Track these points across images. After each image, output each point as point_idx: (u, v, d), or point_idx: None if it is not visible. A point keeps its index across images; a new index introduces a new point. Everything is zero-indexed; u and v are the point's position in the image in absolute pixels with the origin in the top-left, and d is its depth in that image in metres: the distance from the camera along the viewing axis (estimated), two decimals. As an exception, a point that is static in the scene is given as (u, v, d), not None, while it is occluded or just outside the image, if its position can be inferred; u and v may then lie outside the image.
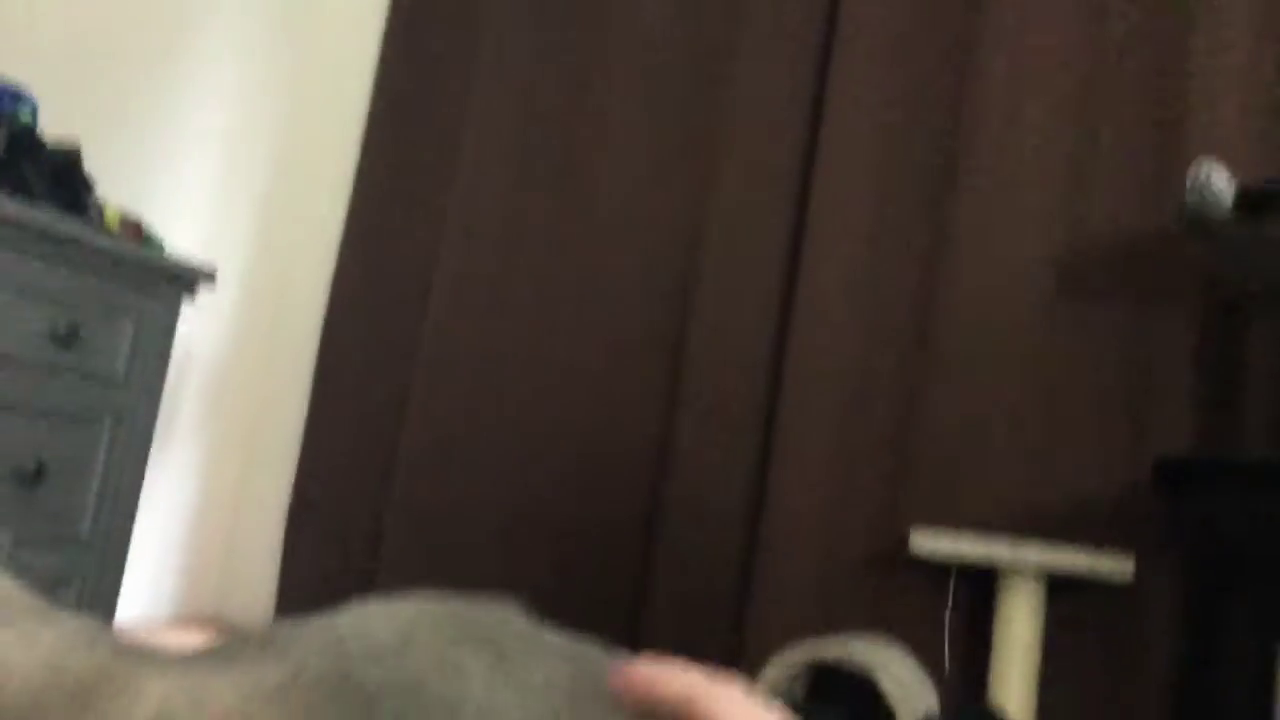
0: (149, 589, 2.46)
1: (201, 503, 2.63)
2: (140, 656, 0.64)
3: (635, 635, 1.86)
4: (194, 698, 0.58)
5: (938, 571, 1.80)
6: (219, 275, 1.85)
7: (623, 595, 1.92)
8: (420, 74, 2.43)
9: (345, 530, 2.32)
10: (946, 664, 1.73)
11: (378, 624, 0.64)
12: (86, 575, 1.59)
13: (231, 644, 0.66)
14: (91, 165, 1.77)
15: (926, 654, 1.64)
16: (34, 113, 1.64)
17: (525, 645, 0.64)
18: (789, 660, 1.54)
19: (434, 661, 0.61)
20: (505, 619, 0.67)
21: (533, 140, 2.19)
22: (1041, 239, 1.81)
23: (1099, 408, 1.73)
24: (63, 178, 1.60)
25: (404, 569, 2.15)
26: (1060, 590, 1.72)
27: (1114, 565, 1.60)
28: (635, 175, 2.08)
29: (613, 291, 2.06)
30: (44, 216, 1.46)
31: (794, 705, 1.45)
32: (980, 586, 1.79)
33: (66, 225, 1.49)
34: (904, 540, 1.78)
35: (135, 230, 1.72)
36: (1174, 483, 1.53)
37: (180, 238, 2.27)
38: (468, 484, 2.10)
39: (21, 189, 1.51)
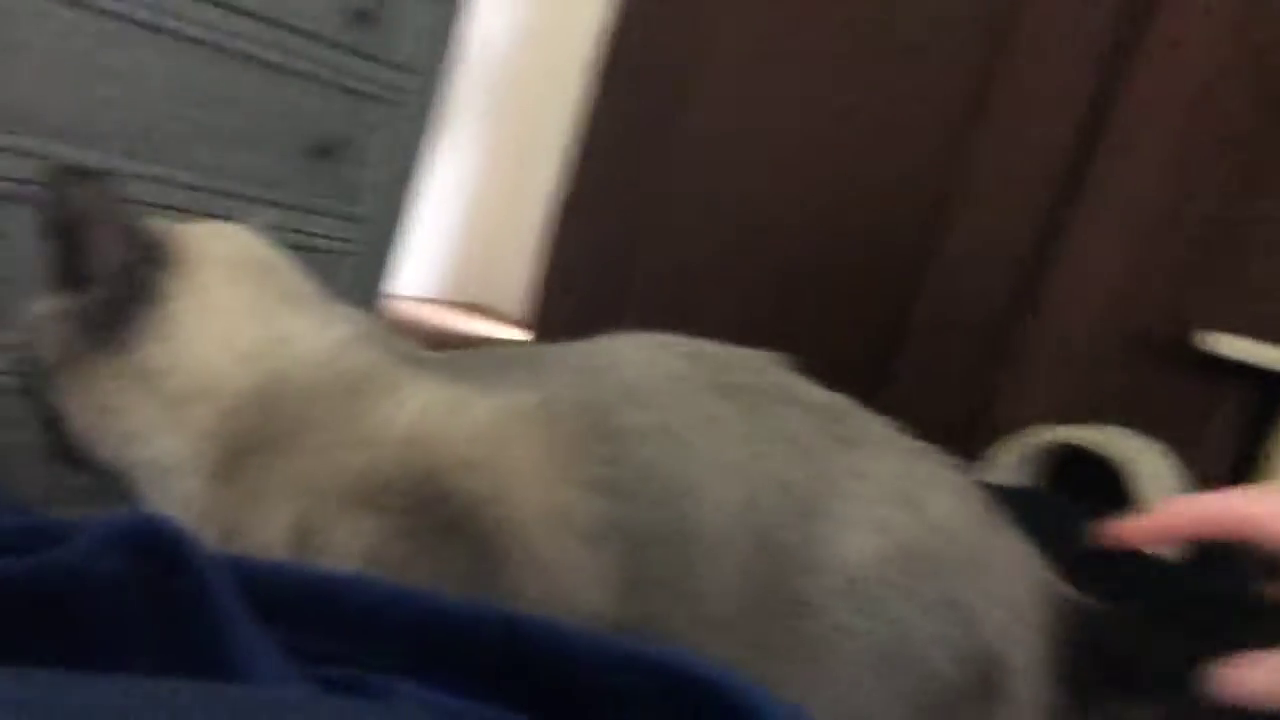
0: (419, 270, 2.64)
1: (474, 192, 2.75)
2: (409, 360, 0.66)
3: (882, 390, 1.82)
4: (452, 410, 0.59)
5: (1221, 376, 1.64)
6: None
7: (875, 347, 1.87)
8: None
9: (607, 234, 2.36)
10: (1213, 473, 1.61)
11: (638, 362, 0.62)
12: (362, 250, 1.70)
13: (493, 361, 0.66)
14: None
15: (1193, 461, 1.51)
16: None
17: (782, 398, 0.60)
18: (1035, 440, 1.46)
19: (690, 408, 0.59)
20: (765, 369, 0.64)
21: None
22: None
23: None
24: None
25: (661, 278, 2.19)
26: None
27: None
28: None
29: (913, 26, 1.86)
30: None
31: (1036, 489, 1.39)
32: (1268, 400, 1.63)
33: (362, -104, 1.47)
34: (1194, 337, 1.62)
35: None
36: None
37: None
38: (733, 208, 2.06)
39: None
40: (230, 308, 0.66)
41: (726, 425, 0.56)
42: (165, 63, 1.38)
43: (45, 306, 0.65)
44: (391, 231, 1.72)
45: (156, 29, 1.36)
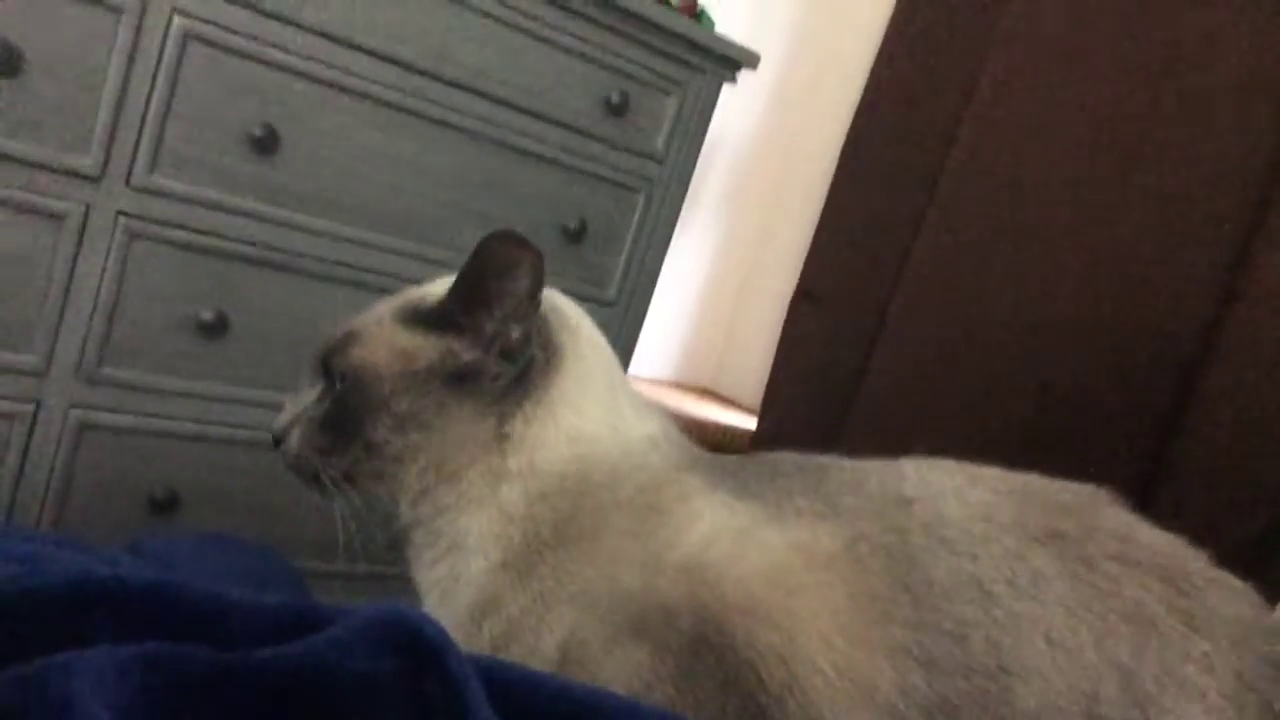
0: (656, 354, 2.68)
1: (713, 275, 2.77)
2: (698, 464, 0.64)
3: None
4: (741, 539, 0.55)
5: None
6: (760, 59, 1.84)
7: (1136, 474, 1.70)
8: None
9: (846, 321, 2.30)
10: None
11: (945, 496, 0.56)
12: (608, 334, 1.73)
13: (778, 473, 0.62)
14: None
15: None
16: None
17: (1115, 555, 0.52)
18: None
19: (1007, 562, 0.50)
20: (1093, 512, 0.55)
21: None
22: None
23: None
24: (631, -52, 1.64)
25: (894, 379, 2.10)
26: None
27: None
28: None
29: (1194, 125, 1.72)
30: (611, -14, 1.51)
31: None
32: None
33: (629, -4, 1.53)
34: None
35: (690, 7, 1.74)
36: None
37: (725, 19, 2.28)
38: (978, 300, 1.96)
39: (595, -43, 1.57)
40: (592, 392, 0.67)
41: (1052, 587, 0.49)
42: (443, 152, 1.47)
43: (421, 339, 0.66)
44: (636, 317, 1.75)
45: (439, 122, 1.45)
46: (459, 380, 0.64)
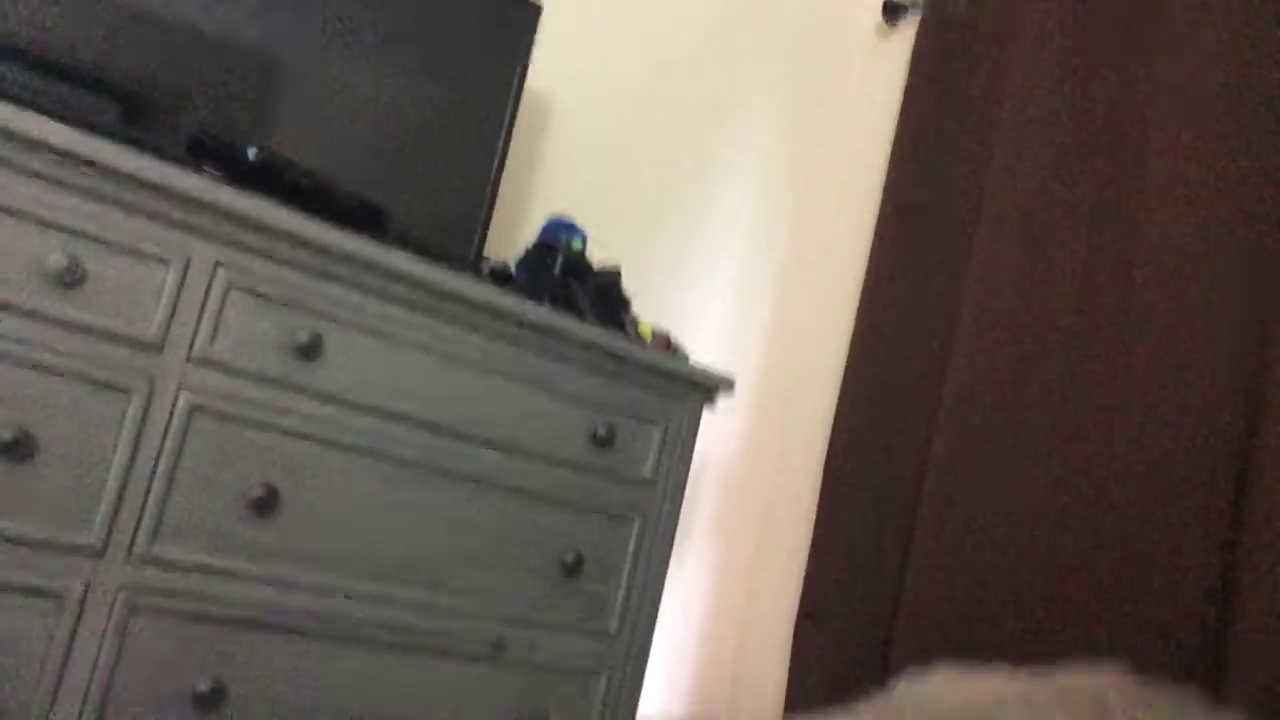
0: (664, 684, 2.59)
1: (714, 601, 2.73)
2: None
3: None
4: None
5: None
6: (735, 383, 1.94)
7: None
8: (930, 183, 2.39)
9: (853, 637, 2.25)
10: None
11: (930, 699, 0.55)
12: (614, 667, 1.69)
13: None
14: (628, 284, 1.95)
15: None
16: (584, 241, 1.85)
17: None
18: None
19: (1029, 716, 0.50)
20: (1104, 689, 0.54)
21: (1056, 237, 2.03)
22: None
23: None
24: (605, 296, 1.78)
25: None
26: None
27: None
28: (1199, 239, 1.81)
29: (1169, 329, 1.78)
30: (590, 331, 1.62)
31: None
32: None
33: (608, 339, 1.64)
34: None
35: (665, 343, 1.85)
36: None
37: (700, 350, 2.42)
38: (986, 592, 1.93)
39: (571, 306, 1.70)
40: None
41: None
42: (440, 498, 1.51)
43: None
44: (641, 648, 1.72)
45: (435, 469, 1.50)
46: None
